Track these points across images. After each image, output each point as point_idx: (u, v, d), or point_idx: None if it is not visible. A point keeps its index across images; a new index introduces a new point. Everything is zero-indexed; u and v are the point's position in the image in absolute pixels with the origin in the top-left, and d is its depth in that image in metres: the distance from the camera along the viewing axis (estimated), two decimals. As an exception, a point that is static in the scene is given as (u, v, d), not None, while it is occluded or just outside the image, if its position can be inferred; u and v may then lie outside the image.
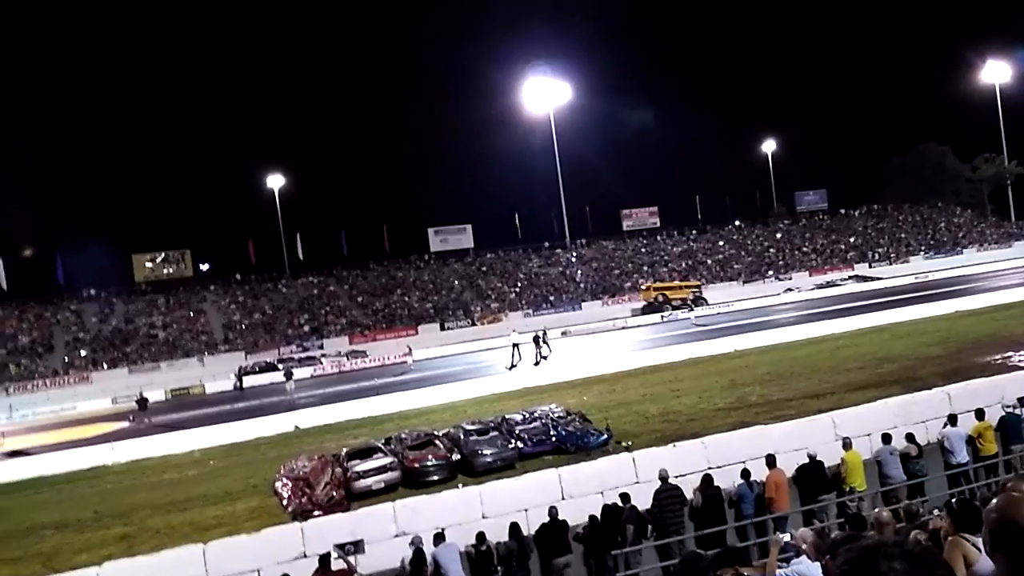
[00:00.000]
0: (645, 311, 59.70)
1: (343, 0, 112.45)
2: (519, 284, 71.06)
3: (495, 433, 18.80)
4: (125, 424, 34.14)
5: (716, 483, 13.42)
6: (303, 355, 53.76)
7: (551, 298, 67.83)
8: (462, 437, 18.69)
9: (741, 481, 13.46)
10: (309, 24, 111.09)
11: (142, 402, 35.20)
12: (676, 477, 13.67)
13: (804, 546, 7.19)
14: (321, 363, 50.93)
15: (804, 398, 20.58)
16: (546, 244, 78.27)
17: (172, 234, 74.26)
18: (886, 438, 14.43)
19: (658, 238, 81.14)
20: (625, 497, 13.02)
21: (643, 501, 13.10)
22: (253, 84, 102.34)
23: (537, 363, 37.10)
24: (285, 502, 16.39)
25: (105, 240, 65.73)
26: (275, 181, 73.45)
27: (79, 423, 38.86)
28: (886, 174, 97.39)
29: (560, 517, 12.69)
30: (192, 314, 63.62)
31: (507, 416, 20.33)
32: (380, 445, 18.70)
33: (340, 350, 56.25)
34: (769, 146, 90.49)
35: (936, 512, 9.48)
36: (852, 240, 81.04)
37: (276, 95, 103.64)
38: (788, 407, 19.62)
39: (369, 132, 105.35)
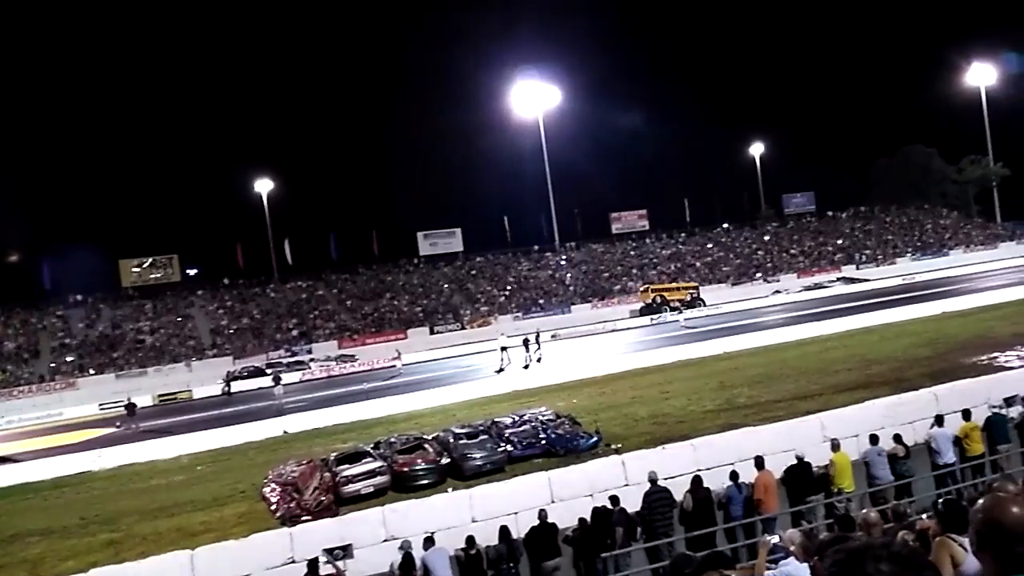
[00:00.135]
0: (643, 312, 59.92)
1: (331, 4, 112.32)
2: (508, 287, 71.04)
3: (484, 436, 18.79)
4: (112, 430, 33.91)
5: (705, 485, 13.43)
6: (292, 360, 53.53)
7: (540, 301, 67.84)
8: (451, 441, 18.67)
9: (730, 483, 13.48)
10: (297, 28, 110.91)
11: (130, 407, 34.91)
12: (665, 479, 13.68)
13: (792, 547, 7.20)
14: (310, 368, 50.72)
15: (793, 399, 20.66)
16: (535, 247, 78.31)
17: (159, 239, 73.84)
18: (874, 439, 14.48)
19: (647, 241, 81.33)
20: (614, 500, 13.01)
21: (632, 503, 13.11)
22: (241, 88, 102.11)
23: (527, 366, 37.09)
24: (273, 507, 16.31)
25: (92, 245, 65.22)
26: (263, 185, 73.12)
27: (65, 429, 38.65)
28: (873, 176, 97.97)
29: (550, 520, 12.68)
30: (180, 319, 63.29)
31: (496, 419, 20.32)
32: (369, 449, 18.65)
33: (329, 354, 56.02)
34: (757, 149, 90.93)
35: (925, 516, 9.51)
36: (840, 242, 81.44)
37: (264, 99, 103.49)
38: (777, 409, 19.69)
39: (358, 136, 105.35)
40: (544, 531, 12.57)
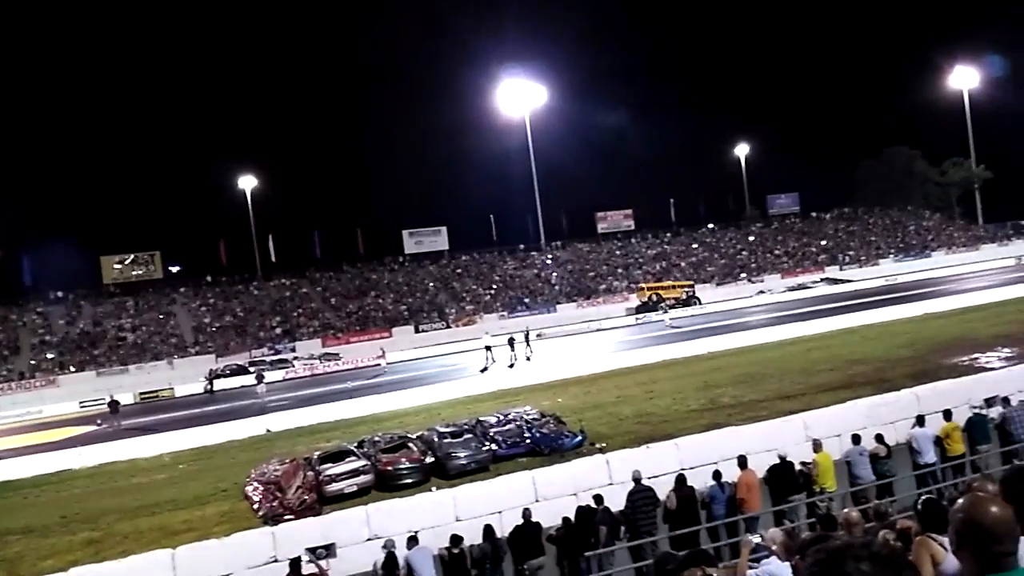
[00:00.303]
0: (639, 310, 60.20)
1: (317, 1, 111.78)
2: (494, 286, 71.03)
3: (469, 435, 18.78)
4: (93, 428, 33.62)
5: (689, 484, 13.45)
6: (275, 358, 53.23)
7: (526, 300, 67.84)
8: (436, 440, 18.64)
9: (713, 482, 13.51)
10: (283, 24, 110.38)
11: (113, 405, 34.64)
12: (649, 479, 13.70)
13: (774, 546, 7.22)
14: (293, 366, 50.47)
15: (776, 399, 20.79)
16: (521, 246, 78.35)
17: (142, 235, 73.43)
18: (856, 439, 14.56)
19: (632, 241, 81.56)
20: (598, 499, 13.02)
21: (616, 503, 13.12)
22: (226, 83, 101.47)
23: (512, 365, 37.12)
24: (256, 506, 16.23)
25: (73, 241, 64.47)
26: (247, 182, 72.65)
27: (45, 427, 38.28)
28: (857, 178, 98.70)
29: (534, 519, 12.67)
30: (161, 316, 62.82)
31: (481, 418, 20.32)
32: (353, 448, 18.60)
33: (313, 353, 55.82)
34: (742, 150, 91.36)
35: (906, 515, 9.56)
36: (823, 243, 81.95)
37: (249, 95, 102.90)
38: (760, 408, 19.81)
39: (343, 133, 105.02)
40: (528, 530, 12.55)
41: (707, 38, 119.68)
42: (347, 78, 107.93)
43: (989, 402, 15.96)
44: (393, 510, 13.74)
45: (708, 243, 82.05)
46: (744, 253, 79.60)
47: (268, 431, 26.02)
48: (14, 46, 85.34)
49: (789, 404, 19.54)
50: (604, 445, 17.73)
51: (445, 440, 18.49)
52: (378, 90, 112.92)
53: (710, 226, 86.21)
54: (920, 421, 15.17)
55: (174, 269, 72.37)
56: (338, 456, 18.00)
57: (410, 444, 18.65)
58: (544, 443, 18.34)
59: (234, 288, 67.97)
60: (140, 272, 65.62)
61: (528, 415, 20.16)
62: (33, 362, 55.24)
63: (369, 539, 13.05)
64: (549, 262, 75.53)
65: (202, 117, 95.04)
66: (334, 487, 16.73)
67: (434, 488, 15.91)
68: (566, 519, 12.79)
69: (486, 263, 75.34)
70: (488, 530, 12.49)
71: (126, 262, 65.31)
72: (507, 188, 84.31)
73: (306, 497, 16.23)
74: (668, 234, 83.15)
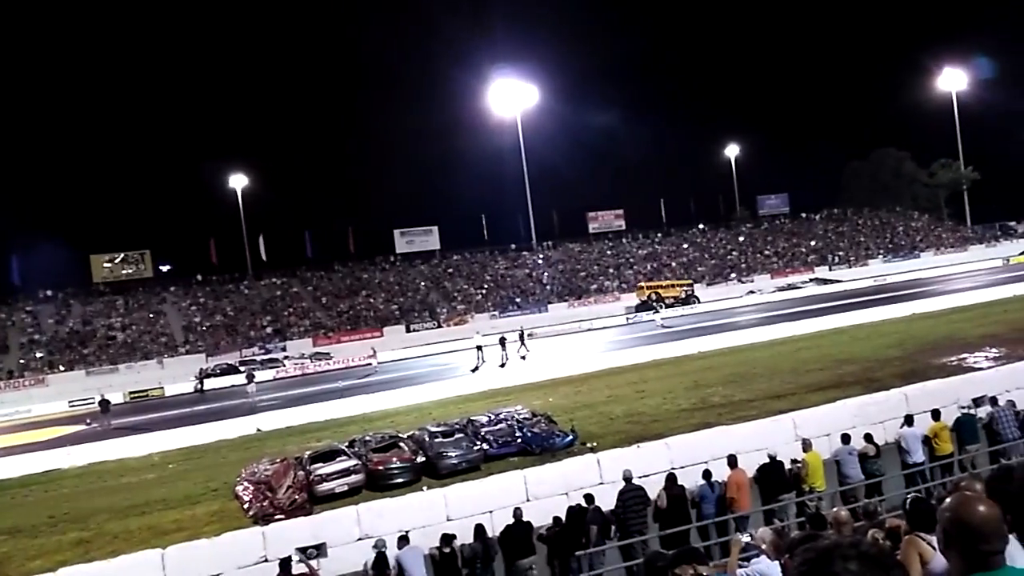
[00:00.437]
0: (639, 309, 60.38)
1: (310, 1, 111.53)
2: (485, 286, 71.01)
3: (460, 435, 18.77)
4: (82, 427, 33.46)
5: (679, 483, 13.50)
6: (265, 357, 53.09)
7: (517, 300, 67.86)
8: (427, 439, 18.62)
9: (703, 481, 13.56)
10: (273, 24, 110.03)
11: (104, 404, 34.48)
12: (640, 478, 13.73)
13: (764, 545, 7.25)
14: (284, 365, 50.36)
15: (765, 399, 20.85)
16: (512, 246, 78.38)
17: (132, 234, 73.09)
18: (845, 438, 14.64)
19: (623, 240, 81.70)
20: (589, 498, 13.04)
21: (607, 502, 13.15)
22: (217, 82, 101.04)
23: (503, 364, 37.15)
24: (246, 506, 16.18)
25: (62, 240, 64.20)
26: (238, 181, 72.44)
27: (34, 426, 38.05)
28: (846, 179, 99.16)
29: (525, 518, 12.69)
30: (152, 315, 62.53)
31: (472, 418, 20.31)
32: (344, 448, 18.56)
33: (304, 352, 55.67)
34: (732, 151, 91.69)
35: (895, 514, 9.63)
36: (813, 243, 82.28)
37: (241, 94, 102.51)
38: (750, 408, 19.86)
39: (334, 132, 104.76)
40: (519, 529, 12.57)
41: (698, 39, 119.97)
42: (339, 77, 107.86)
43: (977, 402, 16.07)
44: (384, 510, 13.72)
45: (698, 243, 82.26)
46: (734, 253, 79.84)
47: (258, 431, 25.94)
48: (3, 44, 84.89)
49: (779, 404, 19.61)
50: (595, 444, 17.76)
51: (436, 440, 18.48)
52: (370, 90, 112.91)
53: (700, 226, 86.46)
54: (909, 421, 15.27)
55: (164, 268, 72.27)
56: (329, 456, 17.96)
57: (401, 444, 18.62)
58: (535, 443, 18.35)
59: (224, 287, 67.71)
60: (130, 271, 65.34)
61: (519, 415, 20.16)
62: (22, 361, 54.88)
63: (360, 539, 13.02)
64: (540, 262, 75.58)
65: (193, 115, 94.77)
66: (325, 487, 16.70)
67: (425, 488, 15.90)
68: (557, 518, 12.82)
69: (477, 263, 75.31)
70: (479, 529, 12.51)
71: (116, 261, 65.01)
72: (498, 188, 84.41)
73: (296, 497, 16.19)
74: (659, 234, 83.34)
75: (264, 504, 15.85)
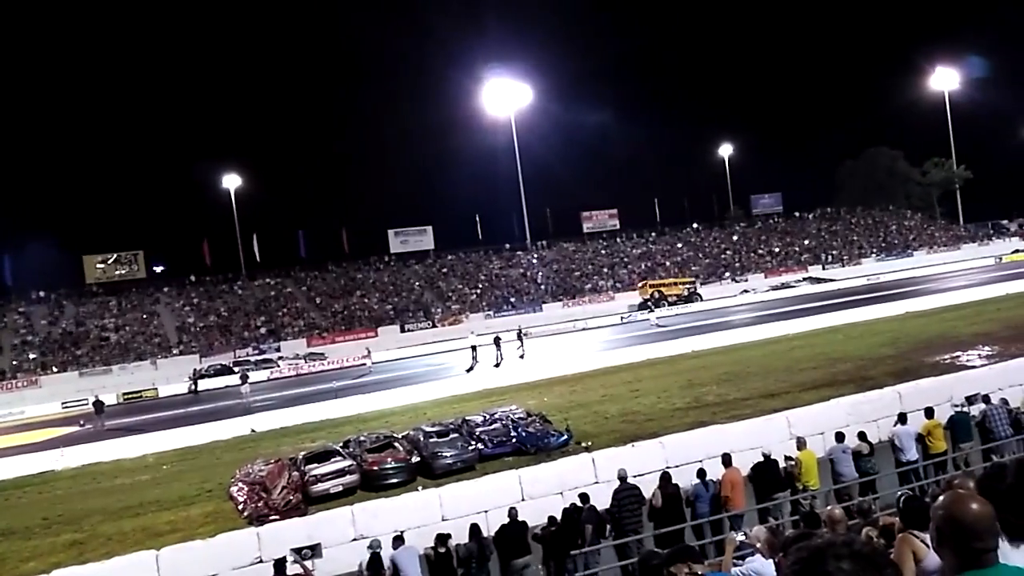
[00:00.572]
0: (641, 307, 60.42)
1: (302, 1, 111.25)
2: (480, 286, 70.99)
3: (455, 435, 18.78)
4: (75, 429, 33.35)
5: (674, 482, 13.51)
6: (259, 358, 52.99)
7: (512, 300, 67.87)
8: (422, 439, 18.62)
9: (697, 480, 13.58)
10: (267, 23, 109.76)
11: (98, 405, 34.39)
12: (635, 477, 13.74)
13: (758, 544, 7.27)
14: (278, 366, 50.26)
15: (760, 397, 20.92)
16: (507, 246, 78.35)
17: (125, 235, 72.76)
18: (839, 437, 14.67)
19: (617, 240, 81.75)
20: (584, 497, 13.05)
21: (602, 501, 13.16)
22: (210, 82, 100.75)
23: (498, 364, 37.16)
24: (241, 506, 16.17)
25: (55, 240, 64.04)
26: (231, 181, 72.22)
27: (27, 428, 37.92)
28: (839, 178, 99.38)
29: (520, 518, 12.69)
30: (145, 316, 62.33)
31: (467, 418, 20.33)
32: (338, 448, 18.55)
33: (298, 352, 55.59)
34: (726, 150, 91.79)
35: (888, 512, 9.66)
36: (806, 243, 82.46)
37: (234, 93, 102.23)
38: (744, 406, 19.92)
39: (328, 132, 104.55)
40: (514, 529, 12.57)
41: (692, 39, 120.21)
42: (332, 77, 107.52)
43: (970, 400, 16.13)
44: (379, 510, 13.72)
45: (692, 243, 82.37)
46: (728, 252, 79.98)
47: (253, 431, 25.91)
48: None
49: (773, 402, 19.67)
50: (590, 444, 17.79)
51: (431, 440, 18.48)
52: (363, 89, 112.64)
53: (694, 226, 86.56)
54: (902, 419, 15.31)
55: (158, 269, 72.10)
56: (323, 456, 17.94)
57: (396, 444, 18.62)
58: (530, 442, 18.37)
59: (218, 288, 67.52)
60: (123, 272, 65.09)
61: (514, 414, 20.19)
62: (15, 362, 54.67)
63: (355, 539, 13.02)
64: (535, 261, 75.58)
65: (186, 115, 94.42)
66: (319, 487, 16.69)
67: (420, 488, 15.91)
68: (552, 518, 12.81)
69: (472, 262, 75.28)
70: (474, 529, 12.50)
71: (109, 261, 64.76)
72: (493, 188, 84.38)
73: (291, 497, 16.18)
74: (653, 234, 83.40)
75: (259, 505, 15.84)
